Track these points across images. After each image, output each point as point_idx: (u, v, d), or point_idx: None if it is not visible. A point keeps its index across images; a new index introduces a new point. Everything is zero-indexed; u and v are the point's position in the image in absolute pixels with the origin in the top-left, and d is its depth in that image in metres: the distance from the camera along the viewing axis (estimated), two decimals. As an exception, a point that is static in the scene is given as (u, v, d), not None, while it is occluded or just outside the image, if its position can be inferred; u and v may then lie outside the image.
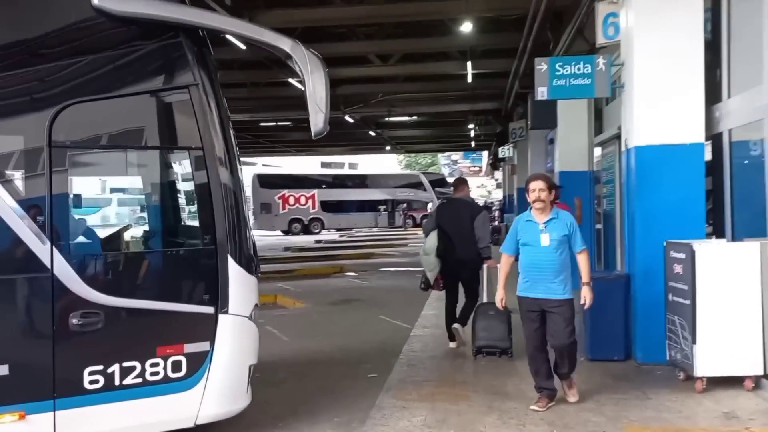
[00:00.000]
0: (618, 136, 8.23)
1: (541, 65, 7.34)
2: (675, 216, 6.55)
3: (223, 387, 4.64)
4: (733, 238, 6.58)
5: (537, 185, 5.32)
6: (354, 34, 14.95)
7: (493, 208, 34.28)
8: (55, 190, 4.18)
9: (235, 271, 4.62)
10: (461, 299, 7.63)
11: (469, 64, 16.18)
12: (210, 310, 4.56)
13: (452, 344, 7.57)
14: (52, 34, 4.45)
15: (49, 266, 4.13)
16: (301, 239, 32.20)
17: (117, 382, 4.29)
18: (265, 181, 37.83)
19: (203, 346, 4.54)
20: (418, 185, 41.12)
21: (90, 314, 4.21)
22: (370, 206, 39.67)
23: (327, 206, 38.58)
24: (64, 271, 4.17)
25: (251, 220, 35.42)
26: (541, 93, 7.38)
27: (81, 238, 4.65)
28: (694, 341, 5.70)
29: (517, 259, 5.54)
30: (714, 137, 6.89)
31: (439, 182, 41.47)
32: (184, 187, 4.94)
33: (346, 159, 58.09)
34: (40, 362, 4.14)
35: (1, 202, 4.09)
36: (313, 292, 13.15)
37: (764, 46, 6.04)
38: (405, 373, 6.57)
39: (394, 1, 12.32)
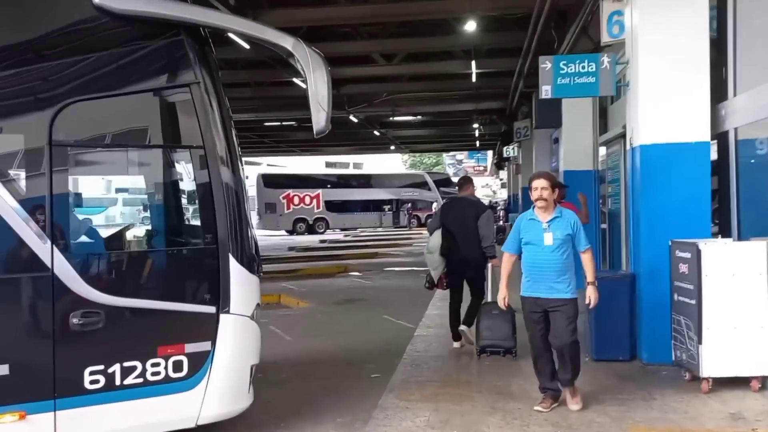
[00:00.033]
0: (623, 135, 8.19)
1: (546, 64, 7.33)
2: (681, 215, 6.50)
3: (224, 387, 4.62)
4: (740, 238, 6.52)
5: (540, 183, 5.27)
6: (358, 33, 14.92)
7: (498, 207, 34.22)
8: (56, 189, 4.16)
9: (236, 270, 4.60)
10: (466, 299, 7.60)
11: (473, 63, 16.15)
12: (211, 309, 4.54)
13: (456, 344, 7.54)
14: (53, 33, 4.43)
15: (49, 265, 4.11)
16: (305, 239, 32.21)
17: (118, 382, 4.27)
18: (269, 181, 37.89)
19: (204, 345, 4.52)
20: (423, 185, 41.11)
21: (90, 314, 4.18)
22: (375, 206, 39.69)
23: (331, 206, 38.61)
24: (64, 270, 4.15)
25: (255, 220, 35.64)
26: (546, 91, 7.36)
27: (81, 237, 4.64)
28: (699, 341, 5.66)
29: (520, 258, 5.49)
30: (720, 136, 6.84)
31: (443, 182, 41.44)
32: (185, 186, 4.92)
33: (351, 159, 58.13)
34: (41, 362, 4.12)
35: (2, 201, 4.07)
36: (317, 291, 13.13)
37: (771, 43, 6.00)
38: (408, 373, 6.54)
39: (398, 1, 12.29)
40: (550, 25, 11.46)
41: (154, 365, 4.37)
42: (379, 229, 38.28)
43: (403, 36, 14.86)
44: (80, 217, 4.77)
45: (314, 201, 38.37)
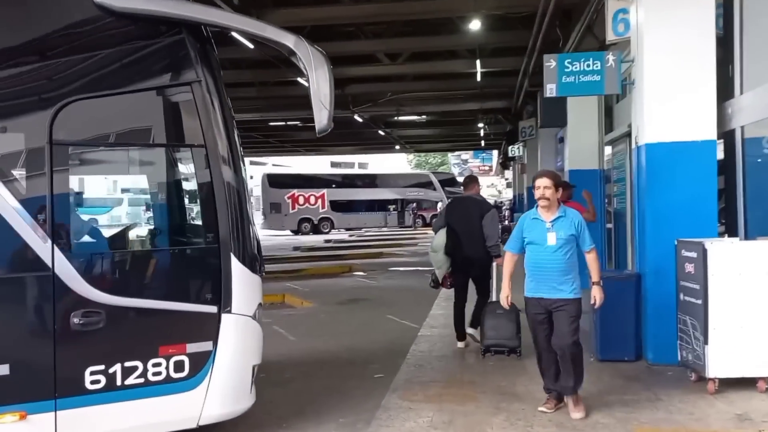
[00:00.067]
0: (628, 134, 8.14)
1: (550, 62, 7.27)
2: (686, 214, 6.45)
3: (226, 387, 4.59)
4: (746, 237, 6.48)
5: (542, 182, 5.21)
6: (362, 32, 14.89)
7: (503, 207, 34.16)
8: (56, 188, 4.14)
9: (238, 269, 4.57)
10: (470, 300, 7.56)
11: (478, 62, 16.11)
12: (213, 309, 4.52)
13: (460, 344, 7.51)
14: (53, 31, 4.42)
15: (50, 265, 4.09)
16: (310, 239, 32.21)
17: (119, 382, 4.25)
18: (274, 181, 37.91)
19: (206, 345, 4.50)
20: (428, 185, 41.06)
21: (91, 313, 4.16)
22: (380, 206, 39.64)
23: (336, 206, 38.59)
24: (65, 269, 4.13)
25: (261, 220, 35.69)
26: (550, 90, 7.31)
27: (82, 237, 4.62)
28: (706, 341, 5.61)
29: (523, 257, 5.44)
30: (726, 134, 6.79)
31: (448, 182, 41.36)
32: (186, 185, 4.90)
33: (356, 159, 58.18)
34: (42, 362, 4.10)
35: (2, 200, 4.05)
36: (321, 291, 13.11)
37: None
38: (412, 373, 6.51)
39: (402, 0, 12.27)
40: (555, 24, 11.40)
41: (155, 365, 4.34)
42: (384, 229, 38.25)
43: (408, 35, 14.82)
44: (83, 216, 4.76)
45: (319, 201, 38.36)
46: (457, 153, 62.41)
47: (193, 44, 4.55)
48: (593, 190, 10.74)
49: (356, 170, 53.63)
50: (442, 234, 7.54)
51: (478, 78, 17.76)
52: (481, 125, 29.29)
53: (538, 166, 18.23)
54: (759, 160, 6.75)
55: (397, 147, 38.38)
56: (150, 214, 5.07)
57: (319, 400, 5.87)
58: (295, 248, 25.45)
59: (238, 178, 4.64)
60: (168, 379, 4.38)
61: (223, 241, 4.53)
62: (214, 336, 4.51)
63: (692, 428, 4.88)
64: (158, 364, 4.35)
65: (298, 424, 5.29)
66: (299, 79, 16.04)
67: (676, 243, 6.14)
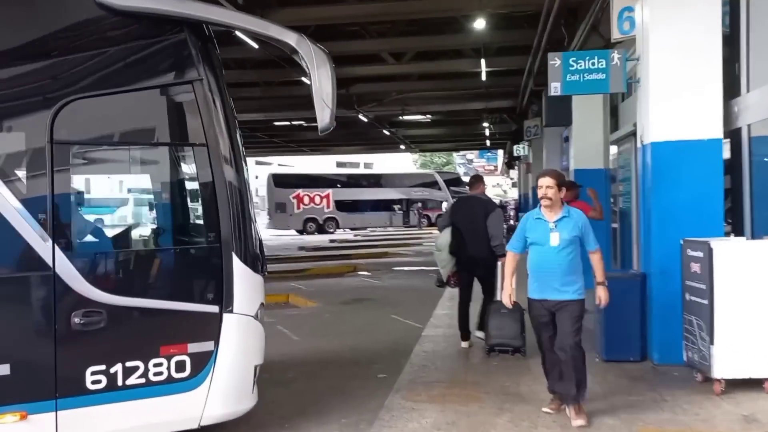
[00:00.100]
0: (634, 133, 8.09)
1: (555, 60, 7.25)
2: (692, 213, 6.40)
3: (227, 387, 4.57)
4: (753, 237, 6.42)
5: (545, 182, 5.15)
6: (366, 32, 14.87)
7: (508, 207, 34.07)
8: (57, 187, 4.12)
9: (240, 269, 4.54)
10: (475, 300, 7.52)
11: (482, 61, 16.05)
12: (214, 309, 4.49)
13: (464, 344, 7.49)
14: (55, 30, 4.40)
15: (50, 264, 4.07)
16: (315, 239, 32.23)
17: (120, 383, 4.22)
18: (280, 181, 37.99)
19: (207, 345, 4.47)
20: (433, 184, 41.03)
21: (92, 313, 4.14)
22: (385, 206, 39.64)
23: (342, 206, 38.62)
24: (65, 269, 4.11)
25: (266, 220, 35.72)
26: (555, 88, 7.29)
27: (83, 236, 4.60)
28: (711, 342, 5.56)
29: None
30: (732, 133, 6.74)
31: (454, 181, 41.34)
32: (188, 184, 4.87)
33: (362, 158, 58.17)
34: (42, 362, 4.08)
35: (3, 199, 4.03)
36: (325, 291, 13.09)
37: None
38: (415, 373, 6.48)
39: (407, -2, 12.26)
40: (560, 23, 11.37)
41: (156, 365, 4.32)
42: (389, 229, 38.26)
43: (412, 34, 14.80)
44: (84, 216, 4.74)
45: (324, 201, 38.40)
46: (462, 153, 62.31)
47: (195, 43, 4.53)
48: (599, 189, 10.70)
49: (361, 170, 53.60)
50: (447, 233, 7.52)
51: (483, 77, 17.70)
52: (486, 125, 29.21)
53: (544, 165, 18.20)
54: (766, 159, 6.69)
55: (402, 147, 38.36)
56: (151, 213, 5.05)
57: (322, 400, 5.84)
58: (300, 248, 25.46)
59: (239, 178, 4.61)
60: (169, 379, 4.36)
61: (224, 240, 4.50)
62: (215, 336, 4.49)
63: (698, 429, 4.83)
64: (159, 364, 4.33)
65: (300, 424, 5.26)
66: (303, 79, 16.03)
67: (681, 242, 6.09)
